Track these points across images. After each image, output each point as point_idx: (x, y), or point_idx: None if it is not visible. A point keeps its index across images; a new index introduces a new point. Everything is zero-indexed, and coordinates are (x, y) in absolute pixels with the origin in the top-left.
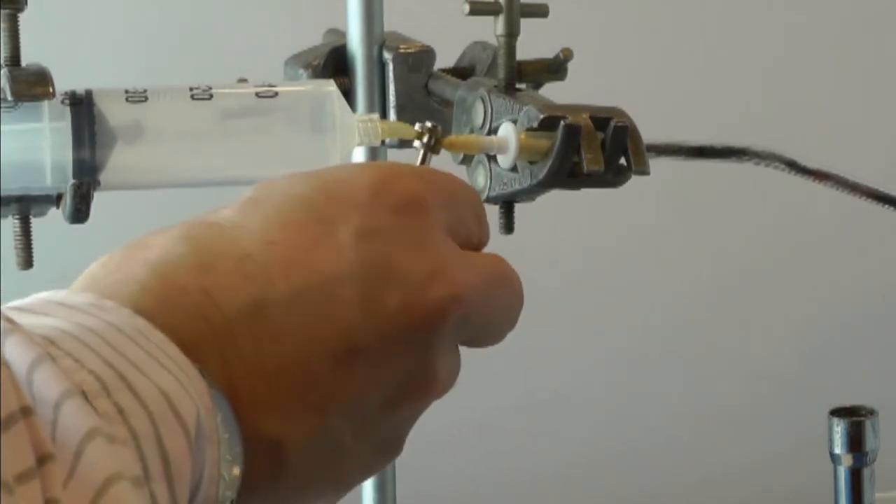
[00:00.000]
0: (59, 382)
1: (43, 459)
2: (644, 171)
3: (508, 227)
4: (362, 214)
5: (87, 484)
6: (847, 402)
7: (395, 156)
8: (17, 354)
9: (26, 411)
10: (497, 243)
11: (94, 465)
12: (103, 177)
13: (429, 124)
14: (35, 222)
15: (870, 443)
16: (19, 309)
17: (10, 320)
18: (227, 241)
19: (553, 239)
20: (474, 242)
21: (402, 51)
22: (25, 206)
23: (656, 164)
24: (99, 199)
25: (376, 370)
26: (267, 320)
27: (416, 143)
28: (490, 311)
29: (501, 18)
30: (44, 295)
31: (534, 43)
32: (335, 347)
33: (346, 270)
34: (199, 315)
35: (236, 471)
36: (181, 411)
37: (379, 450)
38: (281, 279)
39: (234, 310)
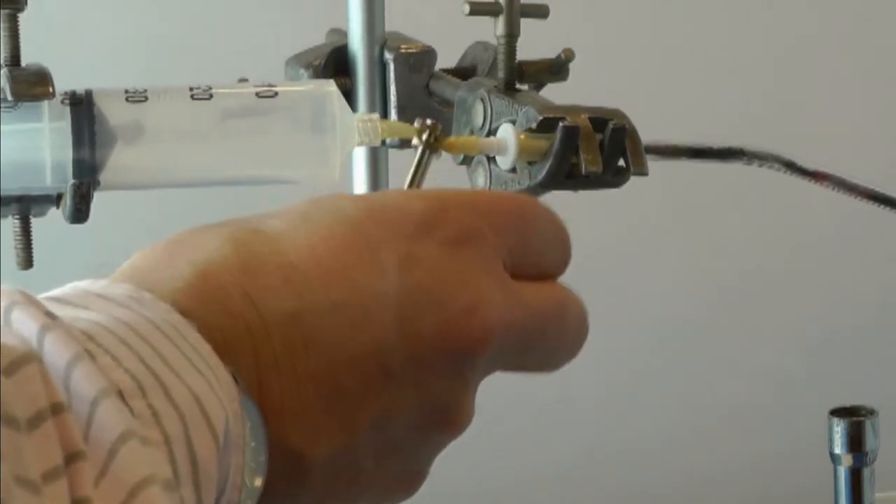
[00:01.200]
0: (96, 380)
1: (73, 457)
2: (643, 172)
3: None
4: (408, 244)
5: (119, 484)
6: (847, 402)
7: (395, 156)
8: (57, 350)
9: (57, 408)
10: None
11: (128, 466)
12: (103, 177)
13: (429, 122)
14: (35, 222)
15: (870, 443)
16: (58, 300)
17: (50, 314)
18: (272, 247)
19: None
20: (545, 266)
21: (403, 51)
22: (25, 206)
23: (656, 163)
24: (99, 199)
25: (406, 393)
26: (303, 329)
27: (415, 141)
28: (536, 344)
29: (501, 19)
30: (82, 284)
31: (534, 43)
32: (367, 365)
33: (385, 292)
34: (238, 317)
35: (258, 481)
36: (211, 416)
37: (399, 479)
38: (321, 290)
39: (272, 315)
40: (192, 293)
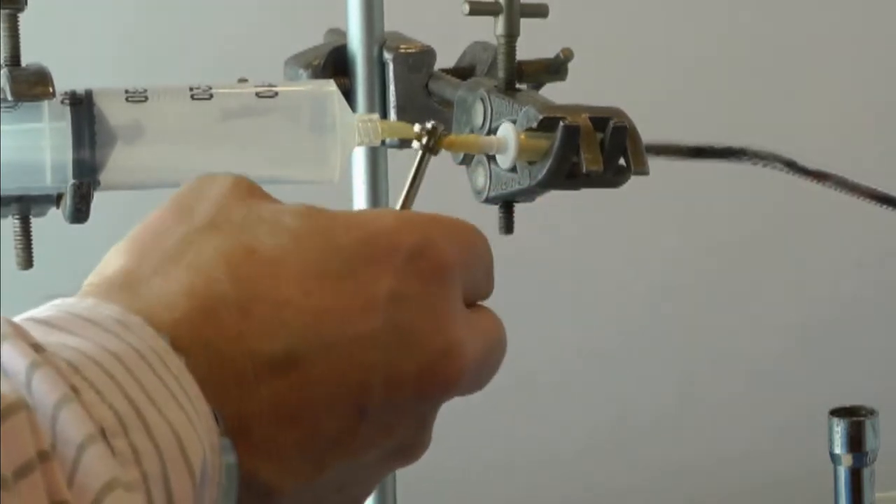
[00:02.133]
0: (83, 424)
1: None
2: (643, 172)
3: (508, 227)
4: (396, 278)
5: None
6: (847, 402)
7: (395, 156)
8: (45, 391)
9: (43, 456)
10: (496, 243)
11: None
12: (103, 177)
13: (429, 125)
14: (35, 222)
15: (870, 443)
16: (46, 323)
17: (38, 347)
18: (268, 281)
19: (552, 236)
20: (481, 295)
21: (402, 51)
22: (25, 206)
23: (655, 162)
24: (99, 199)
25: (379, 433)
26: (292, 372)
27: (415, 144)
28: (483, 375)
29: (501, 19)
30: (69, 302)
31: (534, 43)
32: (346, 407)
33: (373, 333)
34: (229, 362)
35: None
36: (189, 454)
37: (353, 499)
38: (313, 332)
39: (264, 358)
40: (189, 327)
